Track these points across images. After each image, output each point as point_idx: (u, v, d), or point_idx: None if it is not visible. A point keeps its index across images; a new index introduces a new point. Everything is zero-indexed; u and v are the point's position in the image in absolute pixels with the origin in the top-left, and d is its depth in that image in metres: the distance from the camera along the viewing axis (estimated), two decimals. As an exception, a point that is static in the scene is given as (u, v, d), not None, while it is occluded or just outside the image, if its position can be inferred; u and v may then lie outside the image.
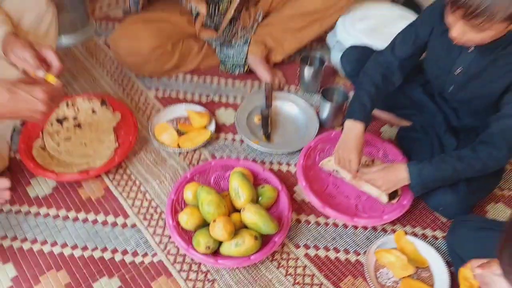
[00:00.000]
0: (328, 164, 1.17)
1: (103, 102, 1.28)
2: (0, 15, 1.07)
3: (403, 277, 0.99)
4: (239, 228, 1.00)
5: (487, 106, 1.06)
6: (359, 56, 1.23)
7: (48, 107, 0.84)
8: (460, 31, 0.89)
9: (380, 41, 1.25)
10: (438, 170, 1.00)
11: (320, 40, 1.53)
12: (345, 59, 1.27)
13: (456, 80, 1.06)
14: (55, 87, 0.89)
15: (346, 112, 1.10)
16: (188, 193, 1.06)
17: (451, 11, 0.87)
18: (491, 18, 0.82)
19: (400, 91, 1.22)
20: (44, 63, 0.97)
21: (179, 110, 1.31)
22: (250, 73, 1.45)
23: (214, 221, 0.97)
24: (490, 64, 0.99)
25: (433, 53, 1.10)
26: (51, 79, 0.93)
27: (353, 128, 1.06)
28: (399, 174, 1.03)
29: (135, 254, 1.02)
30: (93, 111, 1.27)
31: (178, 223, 1.02)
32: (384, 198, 1.10)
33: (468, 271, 0.80)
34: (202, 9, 1.37)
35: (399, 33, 1.12)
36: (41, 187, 1.13)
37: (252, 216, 0.99)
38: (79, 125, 1.24)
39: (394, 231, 1.08)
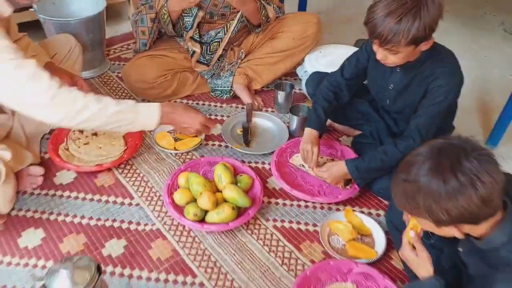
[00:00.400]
0: (296, 159, 1.47)
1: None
2: (42, 49, 1.44)
3: (349, 240, 1.25)
4: (220, 203, 1.28)
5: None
6: (319, 80, 1.57)
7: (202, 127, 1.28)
8: (382, 55, 1.22)
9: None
10: (370, 163, 1.30)
11: (291, 72, 1.90)
12: (309, 83, 1.62)
13: (391, 94, 1.39)
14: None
15: (307, 123, 1.42)
16: (181, 180, 1.35)
17: (373, 42, 1.22)
18: (398, 44, 1.14)
19: (353, 107, 1.55)
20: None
21: (177, 123, 1.63)
22: (235, 98, 1.79)
23: (201, 193, 1.25)
24: (412, 80, 1.32)
25: (372, 75, 1.44)
26: None
27: (310, 133, 1.38)
28: (341, 170, 1.33)
29: (138, 224, 1.28)
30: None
31: (172, 200, 1.30)
32: (341, 185, 1.39)
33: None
34: (197, 49, 1.74)
35: (345, 60, 1.47)
36: (64, 177, 1.42)
37: (230, 192, 1.28)
38: (95, 134, 1.55)
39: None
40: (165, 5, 1.59)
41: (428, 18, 1.10)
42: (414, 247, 0.99)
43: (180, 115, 1.25)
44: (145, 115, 1.17)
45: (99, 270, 0.90)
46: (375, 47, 1.21)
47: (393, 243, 1.25)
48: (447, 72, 1.26)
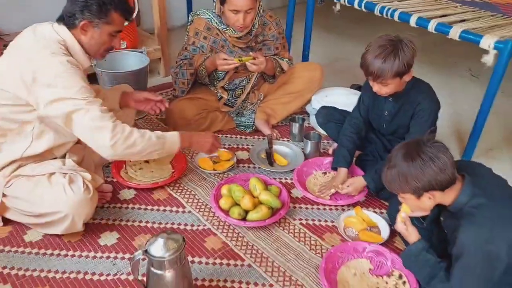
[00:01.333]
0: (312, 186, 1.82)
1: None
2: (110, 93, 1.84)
3: (361, 230, 1.58)
4: (257, 205, 1.62)
5: (406, 134, 1.77)
6: (326, 112, 1.98)
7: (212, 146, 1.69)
8: (377, 88, 1.63)
9: (338, 107, 2.01)
10: (379, 174, 1.66)
11: (301, 110, 2.30)
12: (318, 115, 2.01)
13: (386, 119, 1.79)
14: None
15: (334, 161, 1.81)
16: (224, 190, 1.69)
17: (368, 78, 1.63)
18: (386, 77, 1.56)
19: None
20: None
21: (212, 151, 1.99)
22: (256, 131, 2.17)
23: (243, 197, 1.59)
24: (401, 106, 1.71)
25: (371, 107, 1.84)
26: None
27: (343, 172, 1.76)
28: (362, 183, 1.70)
29: (192, 225, 1.60)
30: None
31: (218, 205, 1.63)
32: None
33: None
34: (225, 96, 2.14)
35: (355, 105, 1.87)
36: (126, 194, 1.75)
37: (265, 196, 1.62)
38: (147, 161, 1.90)
39: (355, 211, 1.70)
40: (203, 64, 2.01)
41: (405, 57, 1.53)
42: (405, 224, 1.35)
43: (195, 139, 1.66)
44: (170, 142, 1.55)
45: (184, 240, 1.22)
46: (370, 82, 1.63)
47: (394, 231, 1.58)
48: (428, 98, 1.67)
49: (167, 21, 2.72)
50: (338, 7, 2.44)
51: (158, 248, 1.18)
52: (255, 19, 1.97)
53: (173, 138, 1.56)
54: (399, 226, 1.36)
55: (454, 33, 1.93)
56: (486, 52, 1.85)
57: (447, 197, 1.22)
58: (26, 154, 1.50)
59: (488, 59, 1.85)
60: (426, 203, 1.23)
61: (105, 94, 1.81)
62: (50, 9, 2.59)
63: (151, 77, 2.68)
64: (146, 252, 1.18)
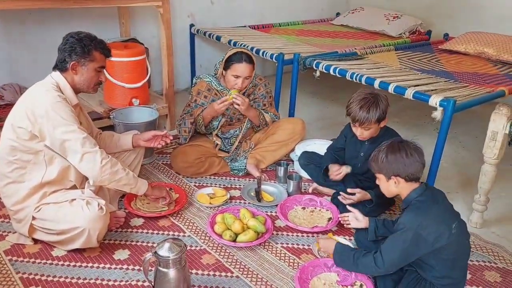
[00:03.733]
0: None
1: (170, 189, 2.29)
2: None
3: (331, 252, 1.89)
4: (246, 229, 1.94)
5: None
6: (307, 155, 2.38)
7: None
8: (360, 132, 2.03)
9: (319, 152, 2.40)
10: None
11: (286, 157, 2.69)
12: (301, 158, 2.40)
13: (361, 160, 2.16)
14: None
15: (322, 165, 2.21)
16: (218, 218, 2.02)
17: (353, 125, 2.03)
18: (370, 123, 1.97)
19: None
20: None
21: (209, 189, 2.34)
22: (247, 175, 2.54)
23: (234, 222, 1.92)
24: (375, 149, 2.10)
25: (348, 148, 2.22)
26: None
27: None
28: (367, 195, 2.08)
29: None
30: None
31: (213, 230, 1.96)
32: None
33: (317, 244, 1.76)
34: (218, 141, 2.54)
35: (330, 145, 2.28)
36: (136, 222, 2.07)
37: (253, 222, 1.95)
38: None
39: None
40: (201, 114, 2.44)
41: (383, 106, 1.97)
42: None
43: (152, 192, 2.04)
44: (141, 183, 1.93)
45: (185, 246, 1.54)
46: (354, 128, 2.03)
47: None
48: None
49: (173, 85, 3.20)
50: (318, 73, 2.92)
51: (165, 250, 1.50)
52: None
53: (143, 183, 1.95)
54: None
55: (409, 93, 2.38)
56: (435, 109, 2.29)
57: (406, 190, 1.60)
58: (44, 180, 1.81)
59: (437, 114, 2.28)
60: (391, 187, 1.63)
61: (119, 137, 2.21)
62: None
63: (159, 130, 3.10)
64: (155, 253, 1.50)
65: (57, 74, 1.85)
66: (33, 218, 1.82)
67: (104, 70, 1.95)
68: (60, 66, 1.84)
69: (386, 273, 1.60)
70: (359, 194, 2.08)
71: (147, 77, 2.91)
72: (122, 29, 3.29)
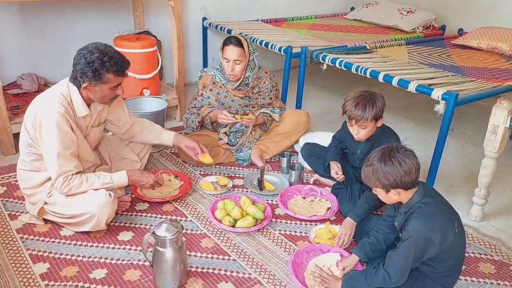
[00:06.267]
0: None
1: (176, 177, 2.38)
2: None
3: (328, 239, 1.94)
4: (245, 216, 2.00)
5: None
6: (309, 147, 2.41)
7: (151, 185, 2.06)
8: (356, 131, 2.04)
9: (322, 144, 2.44)
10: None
11: (290, 148, 2.73)
12: (303, 149, 2.44)
13: (359, 156, 2.18)
14: (160, 177, 2.12)
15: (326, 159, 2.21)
16: (219, 204, 2.09)
17: (349, 122, 2.05)
18: (366, 120, 1.96)
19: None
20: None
21: (213, 178, 2.41)
22: (251, 165, 2.60)
23: (233, 208, 1.99)
24: (371, 147, 2.06)
25: (348, 143, 2.25)
26: (207, 158, 2.22)
27: (351, 222, 1.97)
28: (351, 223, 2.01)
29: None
30: (169, 180, 2.36)
31: (214, 215, 2.03)
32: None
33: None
34: (225, 139, 2.58)
35: (335, 134, 2.31)
36: (141, 206, 2.16)
37: (252, 209, 2.01)
38: (160, 184, 2.32)
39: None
40: (208, 114, 2.51)
41: (380, 104, 1.95)
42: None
43: (136, 178, 2.00)
44: (119, 183, 1.92)
45: (182, 227, 1.61)
46: (350, 126, 2.03)
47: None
48: (392, 138, 2.07)
49: (185, 78, 3.28)
50: (325, 66, 2.95)
51: (162, 230, 1.58)
52: (247, 72, 2.47)
53: (120, 181, 1.94)
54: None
55: (412, 86, 2.39)
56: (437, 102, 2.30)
57: (407, 196, 1.57)
58: None
59: (439, 108, 2.28)
60: (392, 197, 1.59)
61: (162, 131, 2.30)
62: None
63: (168, 121, 3.18)
64: (153, 233, 1.58)
65: (72, 85, 1.85)
66: (45, 203, 1.93)
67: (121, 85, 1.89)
68: (75, 83, 1.83)
69: (400, 283, 1.54)
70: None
71: (158, 69, 2.99)
72: (136, 21, 3.38)
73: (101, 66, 1.75)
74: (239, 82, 2.48)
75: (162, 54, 3.36)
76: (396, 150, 1.54)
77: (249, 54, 2.44)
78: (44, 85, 2.97)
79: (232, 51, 2.37)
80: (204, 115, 2.51)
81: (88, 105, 1.92)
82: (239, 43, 2.39)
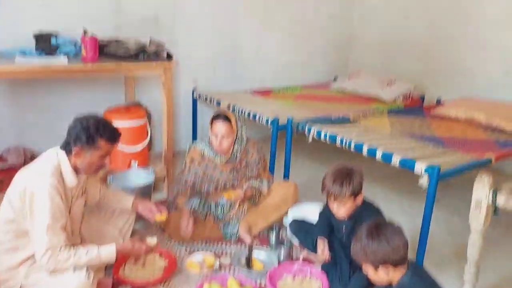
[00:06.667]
0: None
1: (160, 255, 2.32)
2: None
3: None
4: (232, 298, 1.94)
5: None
6: (297, 223, 2.40)
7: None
8: (336, 208, 2.06)
9: (312, 219, 2.42)
10: None
11: (279, 223, 2.71)
12: (290, 226, 2.43)
13: (344, 234, 2.18)
14: (150, 247, 2.10)
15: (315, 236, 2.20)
16: (206, 287, 2.03)
17: (329, 199, 2.07)
18: (344, 197, 2.00)
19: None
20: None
21: (199, 256, 2.36)
22: (239, 240, 2.56)
23: (220, 290, 1.93)
24: (354, 223, 2.11)
25: (333, 221, 2.24)
26: (163, 217, 2.20)
27: (323, 241, 2.10)
28: None
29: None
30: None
31: (200, 298, 1.96)
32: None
33: None
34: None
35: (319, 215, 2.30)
36: (125, 288, 2.09)
37: (238, 290, 1.96)
38: (144, 264, 2.25)
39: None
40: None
41: (357, 180, 1.99)
42: None
43: (131, 251, 2.05)
44: (107, 258, 1.90)
45: None
46: (330, 203, 2.06)
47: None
48: (375, 217, 2.08)
49: (175, 145, 3.32)
50: (310, 138, 3.02)
51: None
52: (236, 146, 2.51)
53: (109, 256, 1.91)
54: None
55: (395, 160, 2.44)
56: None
57: (396, 275, 1.56)
58: None
59: (423, 182, 2.32)
60: (382, 276, 1.58)
61: (122, 196, 2.30)
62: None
63: (156, 193, 3.16)
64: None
65: (62, 154, 1.89)
66: (21, 286, 1.86)
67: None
68: (65, 148, 1.89)
69: None
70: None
71: (146, 141, 3.03)
72: (127, 94, 3.47)
73: (95, 132, 1.85)
74: (228, 156, 2.51)
75: (152, 124, 3.42)
76: (383, 227, 1.56)
77: (237, 129, 2.50)
78: (30, 158, 2.96)
79: (220, 127, 2.43)
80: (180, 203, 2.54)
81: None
82: (227, 119, 2.45)
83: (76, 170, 1.92)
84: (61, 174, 1.88)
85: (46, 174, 1.82)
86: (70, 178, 1.89)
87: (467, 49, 4.02)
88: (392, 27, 4.61)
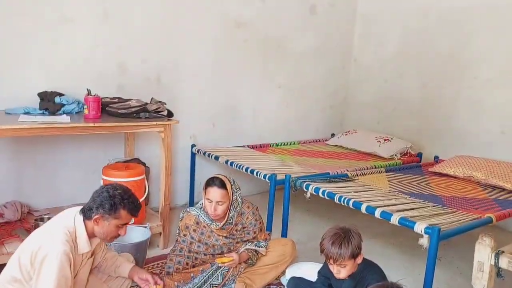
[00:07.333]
0: None
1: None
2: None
3: None
4: None
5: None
6: (295, 282, 2.33)
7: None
8: (336, 270, 2.02)
9: (310, 279, 2.36)
10: None
11: (277, 281, 2.63)
12: (288, 284, 2.36)
13: None
14: None
15: None
16: None
17: (329, 262, 2.04)
18: (343, 259, 1.97)
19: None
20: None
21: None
22: (236, 301, 2.47)
23: None
24: (356, 285, 2.07)
25: (332, 282, 2.19)
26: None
27: None
28: None
29: None
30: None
31: None
32: None
33: None
34: None
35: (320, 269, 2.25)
36: None
37: None
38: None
39: None
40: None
41: (355, 242, 1.97)
42: None
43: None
44: None
45: None
46: (331, 266, 2.03)
47: None
48: (376, 277, 2.04)
49: (172, 201, 3.29)
50: (308, 194, 3.01)
51: None
52: (231, 212, 2.48)
53: None
54: None
55: (394, 219, 2.42)
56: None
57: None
58: None
59: (423, 242, 2.29)
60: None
61: (120, 263, 2.25)
62: (69, 192, 3.22)
63: (151, 249, 3.09)
64: None
65: (80, 219, 1.91)
66: None
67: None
68: (86, 213, 1.91)
69: None
70: None
71: (144, 197, 3.02)
72: (126, 149, 3.50)
73: (120, 201, 1.89)
74: (224, 222, 2.48)
75: (150, 179, 3.42)
76: (391, 286, 1.55)
77: (233, 194, 2.48)
78: (27, 213, 2.94)
79: (215, 193, 2.41)
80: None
81: None
82: (222, 185, 2.44)
83: (91, 235, 1.93)
84: (75, 239, 1.88)
85: (61, 240, 1.81)
86: (84, 245, 1.90)
87: (461, 108, 4.13)
88: (387, 86, 4.76)
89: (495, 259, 1.96)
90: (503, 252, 1.96)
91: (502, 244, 2.05)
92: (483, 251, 1.99)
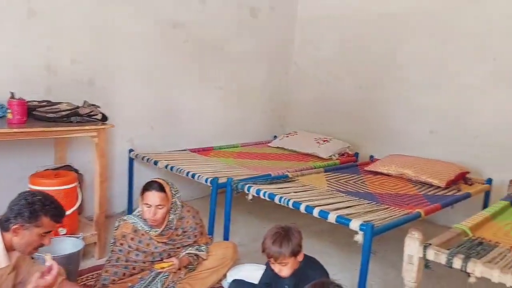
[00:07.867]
0: None
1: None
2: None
3: None
4: None
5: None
6: (236, 285, 2.31)
7: None
8: (278, 269, 2.03)
9: (252, 281, 2.34)
10: None
11: (219, 284, 2.60)
12: (231, 285, 2.32)
13: None
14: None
15: None
16: None
17: (271, 261, 2.04)
18: (284, 257, 1.98)
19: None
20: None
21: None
22: (176, 307, 2.41)
23: None
24: (298, 281, 2.07)
25: (275, 281, 2.19)
26: None
27: None
28: None
29: None
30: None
31: None
32: None
33: None
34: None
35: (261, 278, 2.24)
36: None
37: None
38: None
39: None
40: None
41: (296, 240, 1.99)
42: None
43: None
44: None
45: None
46: (272, 265, 2.03)
47: None
48: (318, 273, 2.06)
49: (108, 208, 3.15)
50: (250, 196, 3.01)
51: None
52: (171, 215, 2.43)
53: None
54: None
55: (332, 217, 2.48)
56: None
57: None
58: None
59: (358, 238, 2.36)
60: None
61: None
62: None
63: (86, 260, 2.94)
64: None
65: None
66: None
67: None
68: (3, 225, 1.76)
69: None
70: None
71: (76, 206, 2.86)
72: (56, 155, 3.30)
73: (41, 208, 1.76)
74: (163, 227, 2.41)
75: (84, 187, 3.25)
76: (329, 284, 1.58)
77: (172, 197, 2.42)
78: None
79: (154, 197, 2.34)
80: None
81: None
82: (161, 188, 2.37)
83: (9, 248, 1.78)
84: None
85: None
86: (1, 259, 1.75)
87: (395, 109, 4.35)
88: (325, 88, 4.91)
89: (423, 251, 2.06)
90: (430, 244, 2.07)
91: (431, 237, 2.16)
92: (412, 245, 2.08)
